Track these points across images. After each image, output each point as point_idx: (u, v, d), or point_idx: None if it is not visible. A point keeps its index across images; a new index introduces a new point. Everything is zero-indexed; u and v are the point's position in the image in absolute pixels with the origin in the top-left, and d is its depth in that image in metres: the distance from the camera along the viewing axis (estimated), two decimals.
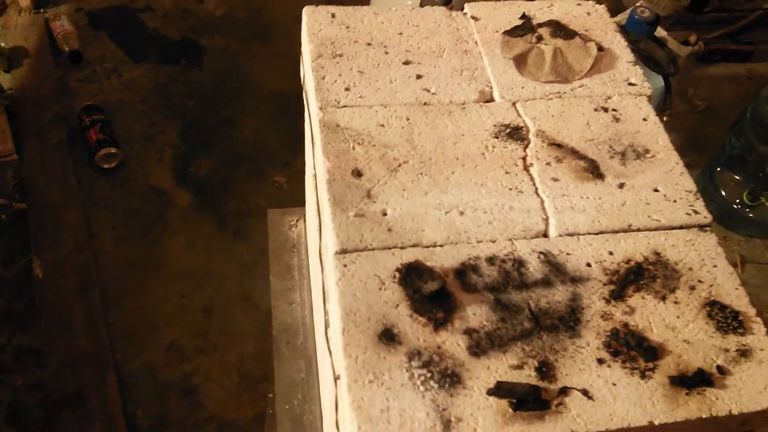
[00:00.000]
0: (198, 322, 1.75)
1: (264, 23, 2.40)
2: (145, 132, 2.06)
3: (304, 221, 1.18)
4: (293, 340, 1.06)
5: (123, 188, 1.95)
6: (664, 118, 2.01)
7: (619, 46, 0.88)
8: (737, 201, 2.02)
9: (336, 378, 0.66)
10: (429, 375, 0.61)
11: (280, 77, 2.22)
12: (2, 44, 2.11)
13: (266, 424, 1.58)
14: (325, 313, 0.75)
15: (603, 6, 0.92)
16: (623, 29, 1.86)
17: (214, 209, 1.93)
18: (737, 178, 2.03)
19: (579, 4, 0.91)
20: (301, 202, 1.31)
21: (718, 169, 2.05)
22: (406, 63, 0.82)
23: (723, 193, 2.04)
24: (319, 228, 0.76)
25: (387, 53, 0.83)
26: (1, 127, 1.96)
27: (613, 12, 2.28)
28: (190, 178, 1.98)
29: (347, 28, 0.85)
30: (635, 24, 1.87)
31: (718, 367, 0.64)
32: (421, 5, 1.76)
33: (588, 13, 0.91)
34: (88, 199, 1.91)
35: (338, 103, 0.78)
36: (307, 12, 0.85)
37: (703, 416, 0.61)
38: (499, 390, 0.61)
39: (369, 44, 0.83)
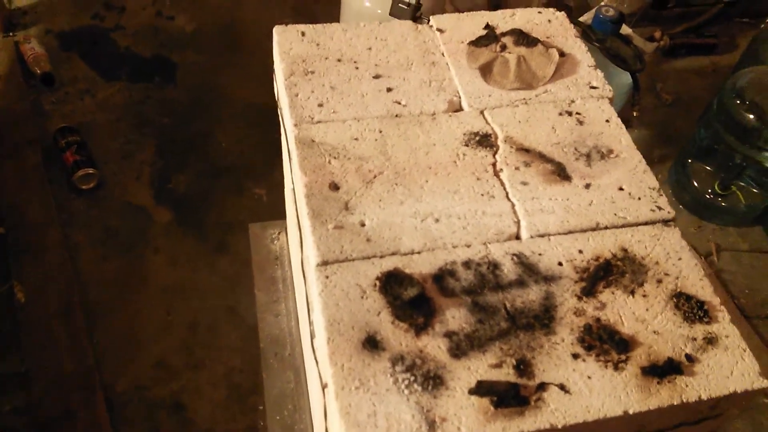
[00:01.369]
0: (184, 338, 1.76)
1: (234, 37, 2.42)
2: (121, 150, 2.07)
3: (286, 234, 1.21)
4: (281, 351, 1.08)
5: (102, 207, 1.96)
6: (634, 114, 2.06)
7: (579, 50, 0.92)
8: (709, 191, 2.07)
9: (324, 386, 0.68)
10: (413, 378, 0.64)
11: (254, 89, 2.24)
12: None
13: None
14: (310, 323, 0.78)
15: (563, 13, 0.96)
16: (589, 28, 1.91)
17: (195, 224, 1.95)
18: (708, 168, 2.08)
19: (540, 12, 0.95)
20: (281, 215, 1.34)
21: (689, 160, 2.10)
22: (376, 77, 0.85)
23: (695, 184, 2.09)
24: (300, 241, 0.79)
25: (357, 68, 0.86)
26: None
27: (579, 11, 2.33)
28: (169, 195, 2.00)
29: (317, 45, 0.88)
30: (600, 23, 1.92)
31: (687, 356, 0.68)
32: (391, 13, 1.79)
33: (549, 21, 0.95)
34: (68, 220, 1.92)
35: (312, 119, 0.80)
36: (277, 31, 0.88)
37: (675, 403, 0.65)
38: (480, 389, 0.64)
39: (339, 60, 0.86)
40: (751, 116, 1.84)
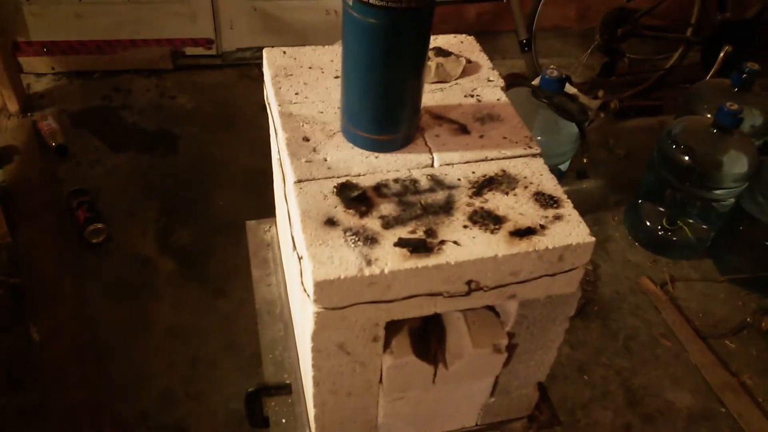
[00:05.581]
0: (186, 372, 2.19)
1: (229, 114, 3.05)
2: (128, 209, 2.61)
3: (275, 227, 1.70)
4: (273, 310, 1.55)
5: (111, 260, 2.45)
6: (584, 160, 2.61)
7: (483, 59, 1.47)
8: (659, 227, 2.58)
9: (300, 258, 1.16)
10: (357, 239, 1.13)
11: (247, 156, 2.82)
12: None
13: None
14: (293, 238, 1.26)
15: (472, 37, 1.51)
16: (538, 88, 2.50)
17: (196, 272, 2.44)
18: (658, 208, 2.60)
19: (455, 37, 1.51)
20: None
21: (640, 201, 2.62)
22: (336, 77, 1.39)
23: (647, 223, 2.61)
24: (282, 177, 1.29)
25: (323, 72, 1.40)
26: None
27: (533, 76, 2.94)
28: (173, 247, 2.51)
29: (294, 59, 1.43)
30: (547, 83, 2.51)
31: (541, 225, 1.16)
32: None
33: (461, 42, 1.51)
34: (79, 272, 2.41)
35: (291, 102, 1.34)
36: (266, 51, 1.44)
37: (530, 250, 1.13)
38: (401, 242, 1.12)
39: (310, 68, 1.41)
40: (686, 157, 2.37)
